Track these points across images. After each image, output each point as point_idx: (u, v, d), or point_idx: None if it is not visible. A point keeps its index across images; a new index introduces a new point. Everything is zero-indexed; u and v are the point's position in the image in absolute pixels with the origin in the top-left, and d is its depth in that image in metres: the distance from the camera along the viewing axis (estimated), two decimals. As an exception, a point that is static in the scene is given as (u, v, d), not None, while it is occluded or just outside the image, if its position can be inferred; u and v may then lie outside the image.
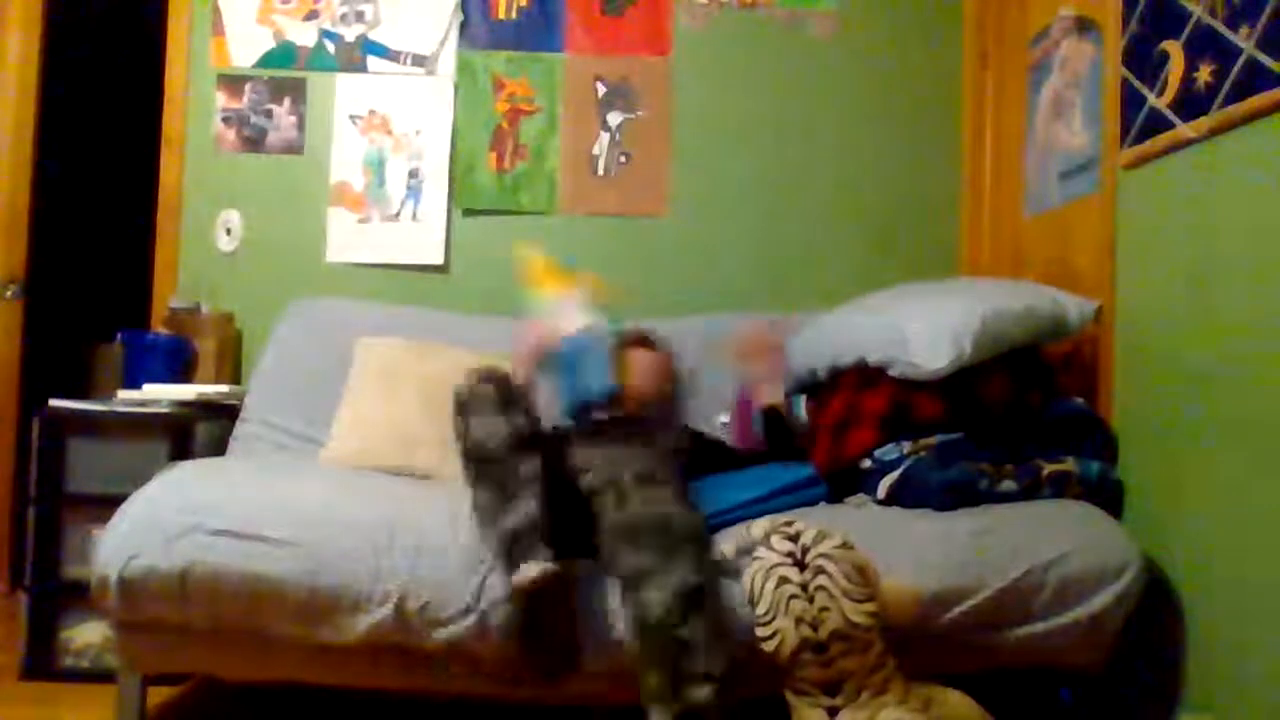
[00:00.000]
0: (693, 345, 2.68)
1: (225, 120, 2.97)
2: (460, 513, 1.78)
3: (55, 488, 2.32)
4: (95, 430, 2.35)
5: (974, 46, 2.97)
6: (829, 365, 2.31)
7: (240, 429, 2.52)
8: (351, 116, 2.97)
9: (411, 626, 1.69)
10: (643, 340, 2.49)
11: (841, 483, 2.13)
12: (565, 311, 2.25)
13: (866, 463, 2.08)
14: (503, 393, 1.81)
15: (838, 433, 2.18)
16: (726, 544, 1.69)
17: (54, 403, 2.39)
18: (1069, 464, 1.97)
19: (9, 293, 3.02)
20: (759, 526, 1.64)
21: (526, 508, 1.66)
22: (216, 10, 2.96)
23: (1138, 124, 2.04)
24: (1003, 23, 2.87)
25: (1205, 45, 1.82)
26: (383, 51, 2.98)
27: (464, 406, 1.79)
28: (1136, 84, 2.05)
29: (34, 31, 3.03)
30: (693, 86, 2.99)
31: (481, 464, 1.74)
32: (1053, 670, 1.86)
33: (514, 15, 2.98)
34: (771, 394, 2.30)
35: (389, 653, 1.73)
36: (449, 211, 2.97)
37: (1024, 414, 2.05)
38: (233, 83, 2.97)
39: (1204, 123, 1.81)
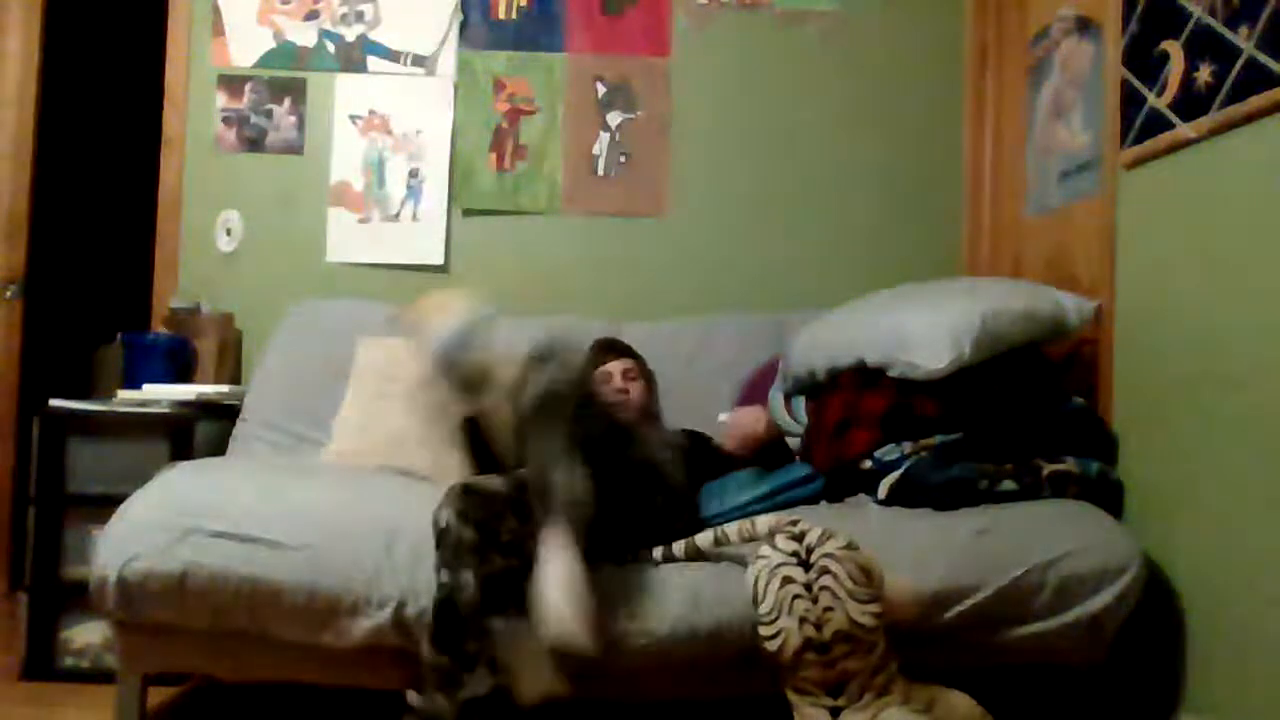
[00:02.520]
0: (691, 345, 2.68)
1: (225, 120, 2.97)
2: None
3: (55, 488, 2.32)
4: (95, 430, 2.35)
5: (974, 46, 2.97)
6: (829, 365, 2.31)
7: (240, 429, 2.52)
8: (351, 116, 2.97)
9: (411, 631, 1.69)
10: (612, 347, 2.51)
11: (842, 483, 2.13)
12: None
13: (867, 463, 2.08)
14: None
15: (838, 433, 2.18)
16: (730, 530, 1.69)
17: (54, 403, 2.38)
18: (1069, 464, 1.97)
19: (9, 293, 3.02)
20: (764, 523, 1.64)
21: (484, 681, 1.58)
22: (216, 10, 2.96)
23: (1138, 124, 2.05)
24: (1003, 23, 2.87)
25: (1205, 45, 1.82)
26: (383, 51, 2.98)
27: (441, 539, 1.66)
28: (1136, 84, 2.06)
29: (34, 31, 3.03)
30: (693, 86, 2.99)
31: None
32: (1054, 670, 1.86)
33: (514, 15, 2.98)
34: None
35: (388, 655, 1.73)
36: (449, 211, 2.96)
37: (1024, 414, 2.05)
38: (233, 83, 2.97)
39: (1204, 123, 1.81)
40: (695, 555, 1.75)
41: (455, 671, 1.57)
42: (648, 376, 2.55)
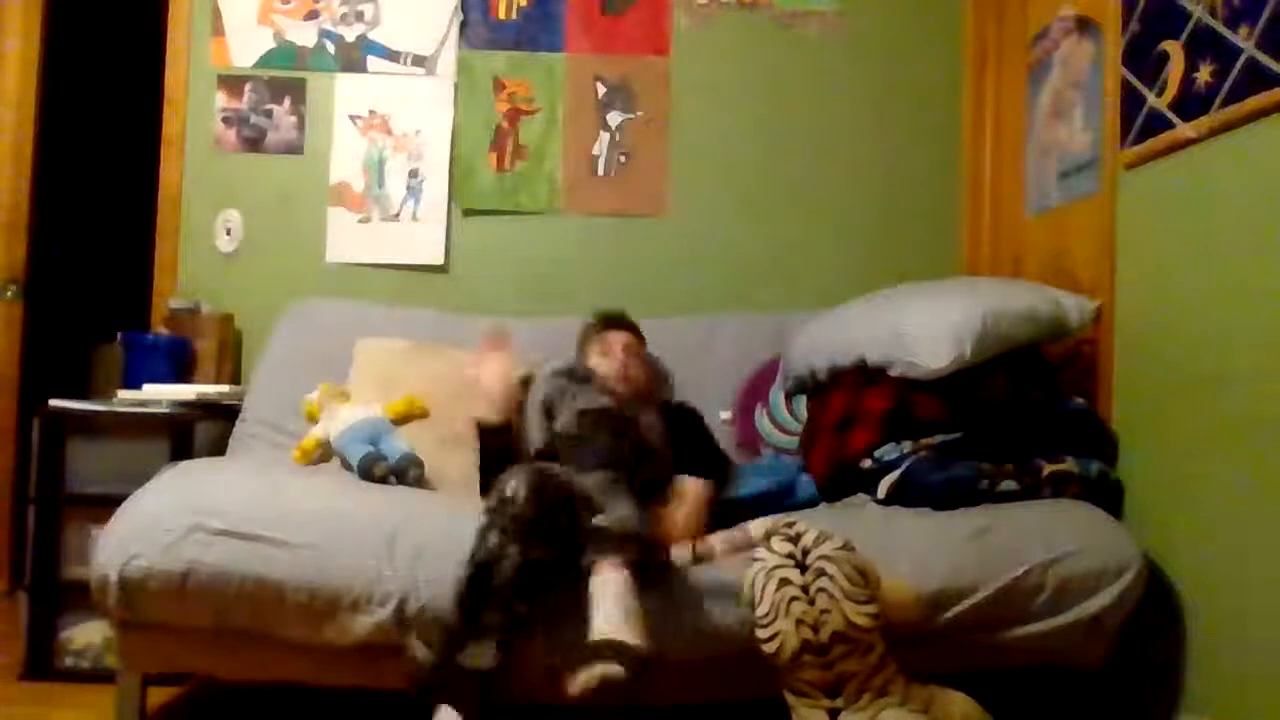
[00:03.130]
0: (691, 345, 2.68)
1: (225, 120, 2.97)
2: (460, 514, 1.78)
3: (55, 488, 2.31)
4: (95, 430, 2.35)
5: (974, 46, 2.97)
6: (829, 365, 2.31)
7: (240, 429, 2.52)
8: (351, 116, 2.97)
9: (412, 628, 1.69)
10: (615, 320, 2.46)
11: (842, 482, 2.13)
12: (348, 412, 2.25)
13: (867, 462, 2.08)
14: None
15: (838, 432, 2.18)
16: (719, 541, 1.69)
17: (54, 403, 2.38)
18: (1069, 464, 1.97)
19: (9, 293, 3.02)
20: (758, 527, 1.64)
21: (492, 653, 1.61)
22: (216, 10, 2.96)
23: (1138, 124, 2.05)
24: (1003, 23, 2.87)
25: (1205, 45, 1.82)
26: (383, 51, 2.97)
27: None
28: (1136, 84, 2.05)
29: (34, 32, 3.03)
30: (693, 86, 2.99)
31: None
32: (1054, 670, 1.86)
33: (514, 15, 2.98)
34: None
35: (389, 654, 1.73)
36: (449, 211, 2.96)
37: (1024, 414, 2.05)
38: (233, 83, 2.97)
39: (1204, 123, 1.81)
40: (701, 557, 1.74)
41: (464, 634, 1.60)
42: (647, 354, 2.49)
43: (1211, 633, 1.79)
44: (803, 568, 1.54)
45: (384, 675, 1.77)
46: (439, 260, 2.96)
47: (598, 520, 1.65)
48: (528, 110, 2.98)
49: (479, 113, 2.97)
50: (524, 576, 1.61)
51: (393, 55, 2.97)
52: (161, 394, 2.48)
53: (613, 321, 2.48)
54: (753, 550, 1.63)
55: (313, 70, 2.97)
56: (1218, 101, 1.77)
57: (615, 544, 1.62)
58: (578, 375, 2.09)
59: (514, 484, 1.67)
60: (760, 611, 1.54)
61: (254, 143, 2.97)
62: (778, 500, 2.12)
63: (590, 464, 1.74)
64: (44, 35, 3.05)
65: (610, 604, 1.55)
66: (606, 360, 2.36)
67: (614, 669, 1.48)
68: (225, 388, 2.64)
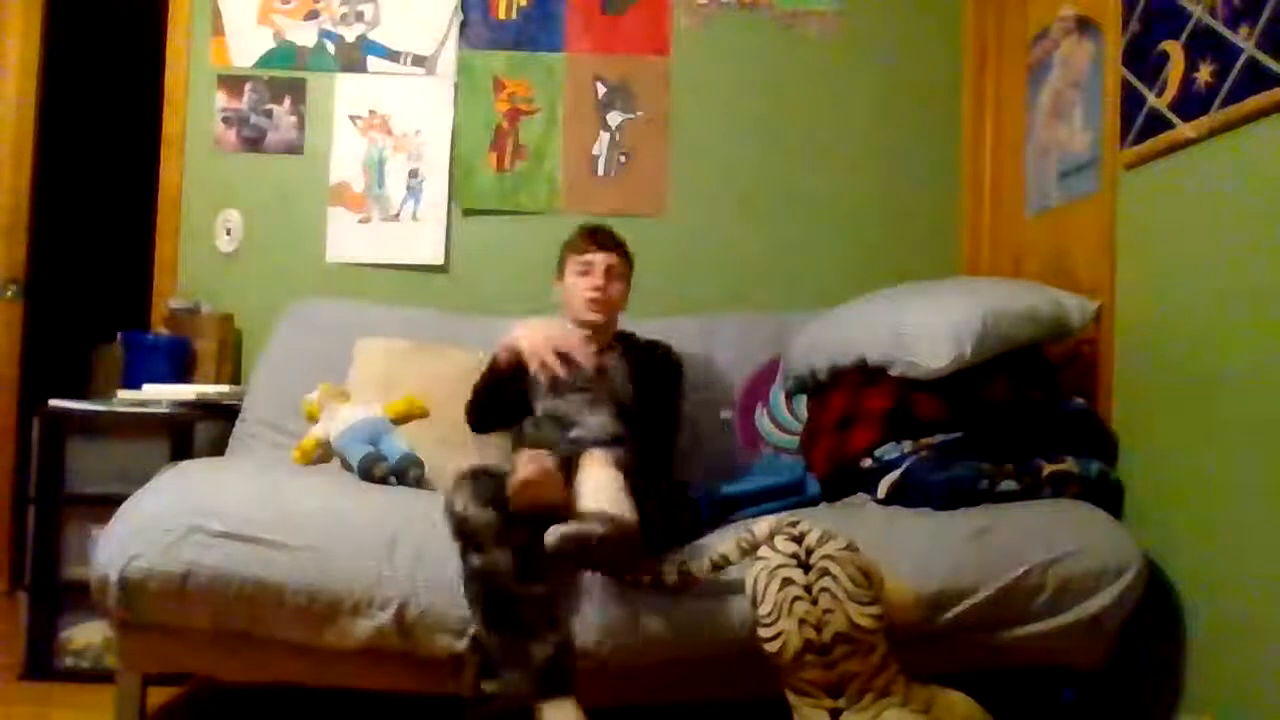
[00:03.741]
0: (691, 345, 2.68)
1: (225, 120, 2.97)
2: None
3: (55, 488, 2.31)
4: (95, 430, 2.35)
5: (974, 46, 2.97)
6: (829, 364, 2.31)
7: (240, 429, 2.51)
8: (351, 116, 2.96)
9: (412, 632, 1.69)
10: (598, 237, 2.25)
11: (842, 482, 2.13)
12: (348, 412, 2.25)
13: (867, 462, 2.08)
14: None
15: (838, 432, 2.18)
16: (727, 545, 1.68)
17: (54, 403, 2.38)
18: (1069, 464, 1.97)
19: (9, 293, 3.02)
20: (763, 526, 1.64)
21: (556, 637, 1.64)
22: (216, 10, 2.96)
23: (1138, 124, 2.05)
24: (1003, 23, 2.87)
25: (1205, 45, 1.82)
26: (383, 51, 2.97)
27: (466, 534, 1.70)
28: (1136, 84, 2.06)
29: (34, 32, 3.03)
30: (692, 86, 2.99)
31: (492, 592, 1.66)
32: (1054, 670, 1.86)
33: (514, 15, 2.98)
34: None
35: (390, 656, 1.73)
36: (449, 211, 2.96)
37: (1024, 414, 2.05)
38: (233, 83, 2.96)
39: (1204, 123, 1.81)
40: (688, 581, 1.70)
41: (519, 643, 1.61)
42: (629, 275, 2.29)
43: (1211, 633, 1.80)
44: (806, 567, 1.54)
45: (385, 677, 1.77)
46: (439, 260, 2.95)
47: (576, 432, 1.78)
48: (528, 110, 2.98)
49: (479, 113, 2.97)
50: (523, 561, 1.64)
51: (393, 55, 2.97)
52: (161, 394, 2.48)
53: (598, 237, 2.24)
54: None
55: (313, 70, 2.97)
56: (1218, 101, 1.77)
57: (595, 444, 1.76)
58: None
59: (459, 501, 1.71)
60: (763, 611, 1.54)
61: (254, 143, 2.97)
62: (787, 495, 2.11)
63: (567, 391, 1.87)
64: (44, 35, 3.05)
65: (592, 484, 1.65)
66: (585, 279, 2.19)
67: (593, 527, 1.57)
68: (225, 388, 2.64)
